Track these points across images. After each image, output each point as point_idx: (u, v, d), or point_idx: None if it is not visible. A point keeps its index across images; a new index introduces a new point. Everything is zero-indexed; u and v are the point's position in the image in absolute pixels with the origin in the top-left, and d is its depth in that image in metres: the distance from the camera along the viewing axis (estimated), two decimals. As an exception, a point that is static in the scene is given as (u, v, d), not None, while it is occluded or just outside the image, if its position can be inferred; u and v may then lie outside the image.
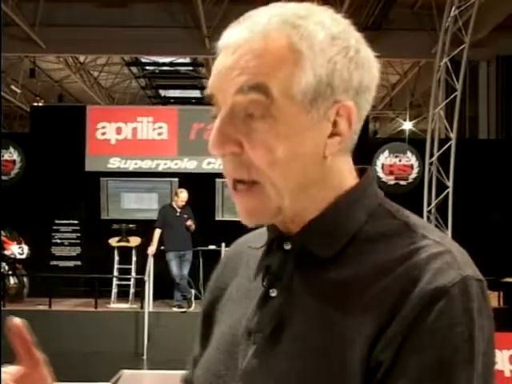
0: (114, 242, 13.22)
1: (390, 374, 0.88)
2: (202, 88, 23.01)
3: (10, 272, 13.13)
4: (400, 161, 14.79)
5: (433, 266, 0.91)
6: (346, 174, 1.02)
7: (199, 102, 23.94)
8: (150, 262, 11.95)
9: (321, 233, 0.99)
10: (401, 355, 0.88)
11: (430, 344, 0.87)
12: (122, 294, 12.96)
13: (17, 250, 13.32)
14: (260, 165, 0.96)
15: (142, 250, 12.64)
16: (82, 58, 18.75)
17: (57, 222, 14.45)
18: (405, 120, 20.53)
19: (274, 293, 1.00)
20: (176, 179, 13.86)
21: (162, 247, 12.15)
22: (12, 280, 13.07)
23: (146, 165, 14.29)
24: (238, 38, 0.98)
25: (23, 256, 13.36)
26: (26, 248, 13.46)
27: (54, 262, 14.37)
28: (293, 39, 0.96)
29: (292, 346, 0.95)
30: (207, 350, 1.09)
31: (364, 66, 1.00)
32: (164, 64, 20.51)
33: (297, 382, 0.92)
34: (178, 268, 12.12)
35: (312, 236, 0.99)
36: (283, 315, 0.98)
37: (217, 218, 13.94)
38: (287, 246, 1.01)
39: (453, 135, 12.31)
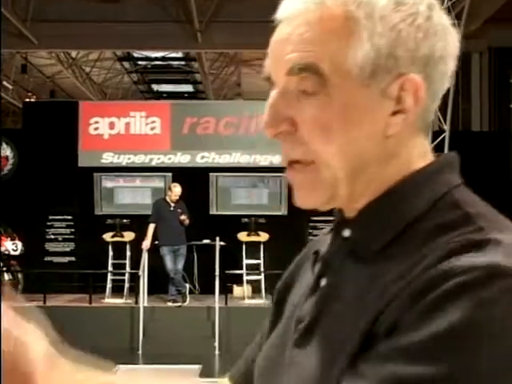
0: (108, 237, 13.21)
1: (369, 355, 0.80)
2: (194, 82, 23.00)
3: (5, 268, 13.11)
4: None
5: (465, 252, 0.79)
6: (415, 158, 0.92)
7: (192, 96, 23.96)
8: (145, 256, 11.95)
9: (373, 221, 0.91)
10: (391, 335, 0.78)
11: (420, 324, 0.76)
12: (117, 289, 12.95)
13: (11, 246, 13.31)
14: (314, 144, 0.89)
15: (136, 244, 12.63)
16: (73, 54, 18.72)
17: (50, 217, 14.42)
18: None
19: (323, 282, 0.94)
20: (169, 174, 13.84)
21: (156, 242, 12.15)
22: (6, 276, 13.06)
23: (139, 159, 14.26)
24: (292, 9, 0.90)
25: (17, 252, 13.35)
26: (19, 244, 13.45)
27: (48, 258, 14.33)
28: (349, 7, 0.87)
29: (318, 342, 0.89)
30: (269, 338, 1.05)
31: (437, 35, 0.90)
32: (156, 59, 20.50)
33: (308, 380, 0.88)
34: (173, 262, 12.13)
35: (364, 223, 0.91)
36: (324, 307, 0.92)
37: (211, 213, 13.93)
38: (345, 233, 0.94)
39: (446, 127, 12.33)
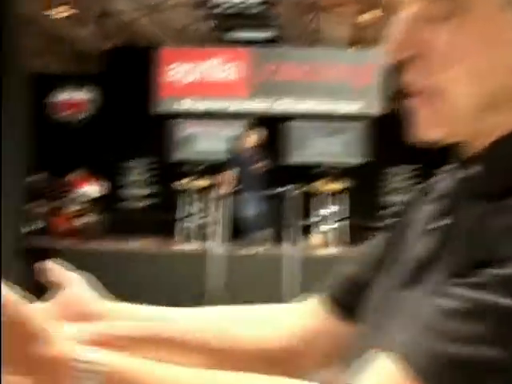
0: (183, 183, 13.29)
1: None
2: (273, 28, 22.76)
3: (83, 211, 13.35)
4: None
5: None
6: None
7: (270, 42, 23.73)
8: (221, 203, 11.98)
9: (499, 159, 0.81)
10: (484, 267, 0.72)
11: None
12: (193, 235, 13.06)
13: (90, 189, 13.52)
14: (445, 72, 0.80)
15: (211, 191, 12.67)
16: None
17: (128, 163, 14.58)
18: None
19: (441, 221, 0.86)
20: (247, 120, 13.77)
21: (233, 188, 12.15)
22: (85, 219, 13.30)
23: (217, 106, 14.22)
24: None
25: (96, 195, 13.57)
26: (98, 188, 13.65)
27: (123, 203, 14.54)
28: None
29: (429, 280, 0.81)
30: (377, 285, 0.98)
31: None
32: (235, 4, 20.32)
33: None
34: (248, 210, 12.13)
35: (488, 162, 0.82)
36: (439, 246, 0.83)
37: (287, 161, 13.85)
38: (468, 171, 0.84)
39: None
